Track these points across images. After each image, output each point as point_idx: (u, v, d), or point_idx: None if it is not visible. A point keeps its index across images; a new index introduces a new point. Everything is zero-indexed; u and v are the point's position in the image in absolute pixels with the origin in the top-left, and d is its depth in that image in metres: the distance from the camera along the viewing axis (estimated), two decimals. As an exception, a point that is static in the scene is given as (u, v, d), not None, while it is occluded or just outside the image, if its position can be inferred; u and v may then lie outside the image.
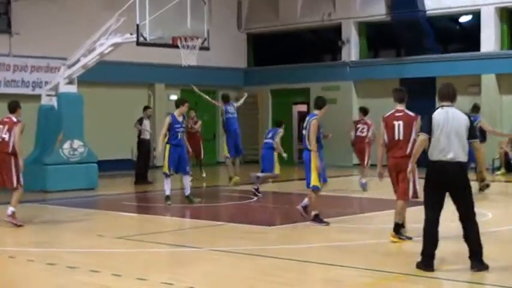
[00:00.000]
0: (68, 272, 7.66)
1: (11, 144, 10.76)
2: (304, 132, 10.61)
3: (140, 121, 17.75)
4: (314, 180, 10.49)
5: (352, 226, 10.76)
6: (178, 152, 13.05)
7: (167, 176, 12.98)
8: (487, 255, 7.44)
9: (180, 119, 13.24)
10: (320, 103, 10.84)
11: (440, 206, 7.44)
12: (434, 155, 7.40)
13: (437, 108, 7.63)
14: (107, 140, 20.64)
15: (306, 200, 10.76)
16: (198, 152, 18.51)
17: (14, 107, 11.09)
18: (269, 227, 10.83)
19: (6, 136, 10.81)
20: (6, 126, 10.87)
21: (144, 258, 8.58)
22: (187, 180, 13.25)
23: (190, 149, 16.38)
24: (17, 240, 9.83)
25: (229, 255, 8.48)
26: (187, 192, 13.16)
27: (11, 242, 9.79)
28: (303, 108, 26.00)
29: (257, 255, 8.34)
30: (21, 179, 10.92)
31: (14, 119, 10.94)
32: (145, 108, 18.46)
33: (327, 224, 10.52)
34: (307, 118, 10.71)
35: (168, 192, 12.95)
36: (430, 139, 7.47)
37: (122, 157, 20.91)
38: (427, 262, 7.33)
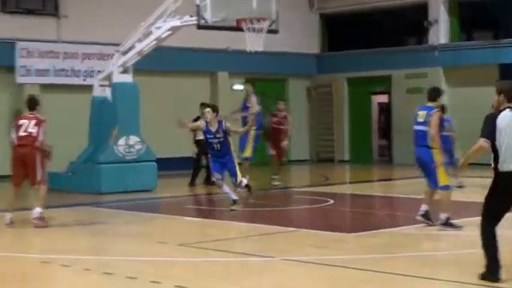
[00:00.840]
0: (128, 283, 7.86)
1: (39, 139, 11.42)
2: (419, 127, 10.65)
3: (196, 120, 17.43)
4: (443, 180, 10.60)
5: (442, 233, 10.68)
6: (220, 163, 13.08)
7: (217, 183, 13.20)
8: None
9: (214, 128, 12.99)
10: (435, 94, 10.93)
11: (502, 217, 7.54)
12: (505, 166, 7.38)
13: (504, 109, 7.57)
14: (165, 136, 20.91)
15: (424, 207, 10.76)
16: (280, 153, 17.58)
17: (33, 105, 11.75)
18: (348, 234, 10.87)
19: (34, 131, 11.47)
20: (34, 121, 11.51)
21: (210, 267, 8.71)
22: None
23: (273, 151, 16.46)
24: (70, 247, 10.10)
25: (304, 266, 8.54)
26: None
27: (62, 248, 10.05)
28: (383, 98, 25.84)
29: (335, 266, 8.39)
30: (46, 176, 11.53)
31: (41, 117, 11.62)
32: (202, 104, 18.18)
33: (461, 228, 10.54)
34: (421, 112, 10.75)
35: (234, 197, 13.08)
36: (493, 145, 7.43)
37: (183, 155, 21.09)
38: (494, 271, 7.39)
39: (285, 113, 17.81)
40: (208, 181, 17.09)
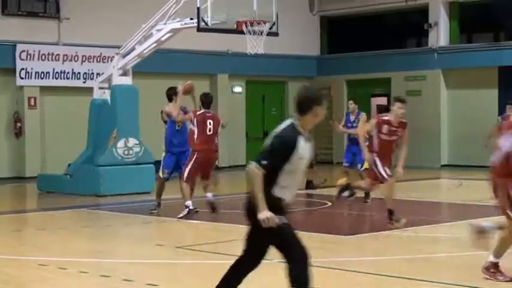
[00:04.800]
0: (124, 285, 7.83)
1: None
2: None
3: None
4: None
5: (440, 235, 10.66)
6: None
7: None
8: None
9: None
10: None
11: None
12: None
13: None
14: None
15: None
16: None
17: None
18: (346, 236, 10.82)
19: None
20: None
21: (208, 270, 8.67)
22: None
23: None
24: (68, 250, 10.08)
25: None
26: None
27: (60, 251, 10.02)
28: (382, 101, 25.80)
29: (331, 268, 8.34)
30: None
31: None
32: None
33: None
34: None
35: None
36: None
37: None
38: None
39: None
40: None
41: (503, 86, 22.90)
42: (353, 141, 14.53)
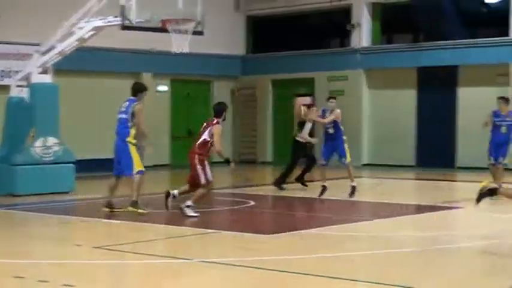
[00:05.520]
0: (40, 286, 7.58)
1: None
2: None
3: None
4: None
5: (360, 234, 10.71)
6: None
7: None
8: None
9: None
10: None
11: None
12: None
13: None
14: (86, 137, 20.58)
15: None
16: None
17: None
18: (268, 235, 10.76)
19: None
20: None
21: (125, 270, 8.52)
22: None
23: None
24: (-18, 251, 9.75)
25: (222, 268, 8.40)
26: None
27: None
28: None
29: (253, 268, 8.26)
30: None
31: None
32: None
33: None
34: None
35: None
36: None
37: (103, 156, 20.72)
38: None
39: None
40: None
41: (422, 87, 23.30)
42: (330, 137, 14.56)
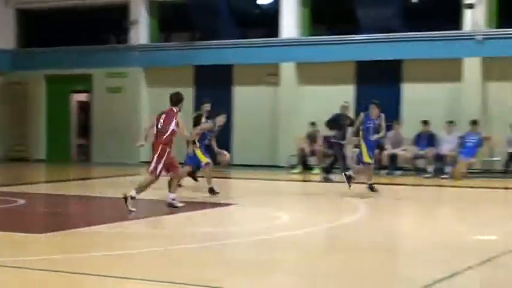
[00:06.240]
0: None
1: None
2: None
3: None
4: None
5: (139, 232, 10.51)
6: None
7: None
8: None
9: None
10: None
11: None
12: None
13: None
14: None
15: None
16: None
17: None
18: (39, 234, 10.22)
19: None
20: None
21: None
22: None
23: None
24: None
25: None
26: None
27: None
28: (84, 97, 25.29)
29: (23, 268, 7.77)
30: None
31: None
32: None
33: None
34: None
35: None
36: None
37: None
38: None
39: None
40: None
41: (198, 85, 23.50)
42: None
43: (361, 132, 14.83)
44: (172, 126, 12.17)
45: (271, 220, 11.73)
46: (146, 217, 12.12)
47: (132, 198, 11.86)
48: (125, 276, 7.55)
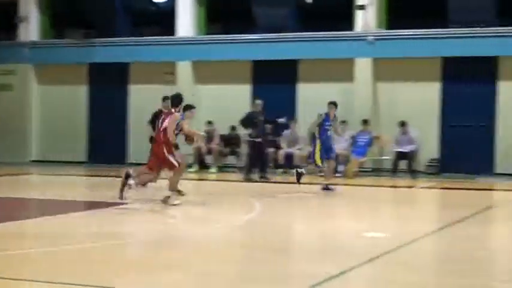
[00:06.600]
0: None
1: None
2: None
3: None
4: None
5: (26, 231, 10.28)
6: None
7: None
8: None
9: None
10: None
11: None
12: None
13: None
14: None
15: None
16: None
17: None
18: None
19: None
20: None
21: None
22: None
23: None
24: None
25: None
26: None
27: None
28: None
29: None
30: None
31: None
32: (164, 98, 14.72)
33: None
34: None
35: None
36: None
37: None
38: None
39: None
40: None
41: (93, 84, 23.18)
42: None
43: (317, 133, 15.06)
44: (165, 125, 12.54)
45: (166, 220, 11.70)
46: (34, 217, 11.88)
47: (179, 192, 13.00)
48: (16, 277, 7.37)
